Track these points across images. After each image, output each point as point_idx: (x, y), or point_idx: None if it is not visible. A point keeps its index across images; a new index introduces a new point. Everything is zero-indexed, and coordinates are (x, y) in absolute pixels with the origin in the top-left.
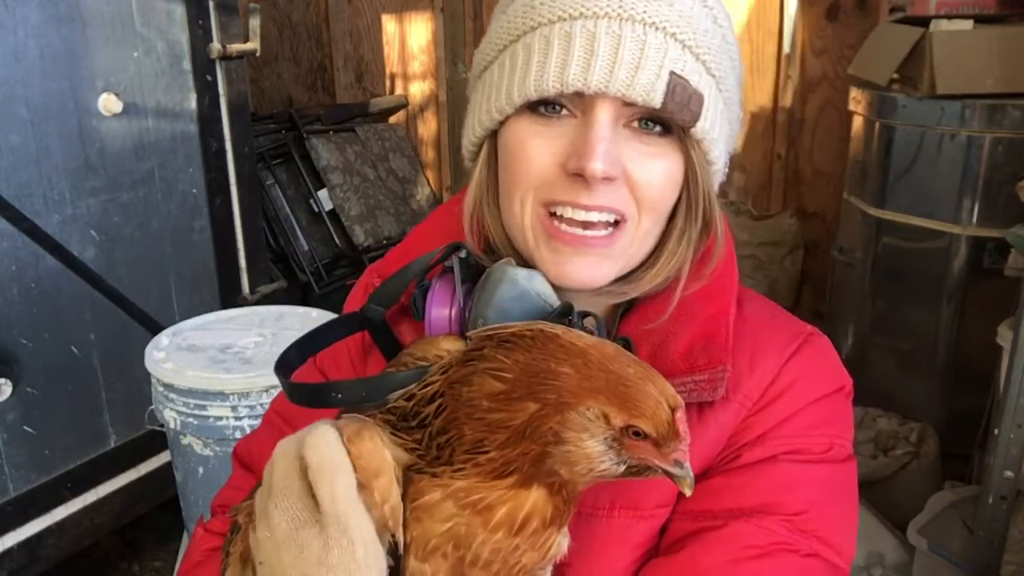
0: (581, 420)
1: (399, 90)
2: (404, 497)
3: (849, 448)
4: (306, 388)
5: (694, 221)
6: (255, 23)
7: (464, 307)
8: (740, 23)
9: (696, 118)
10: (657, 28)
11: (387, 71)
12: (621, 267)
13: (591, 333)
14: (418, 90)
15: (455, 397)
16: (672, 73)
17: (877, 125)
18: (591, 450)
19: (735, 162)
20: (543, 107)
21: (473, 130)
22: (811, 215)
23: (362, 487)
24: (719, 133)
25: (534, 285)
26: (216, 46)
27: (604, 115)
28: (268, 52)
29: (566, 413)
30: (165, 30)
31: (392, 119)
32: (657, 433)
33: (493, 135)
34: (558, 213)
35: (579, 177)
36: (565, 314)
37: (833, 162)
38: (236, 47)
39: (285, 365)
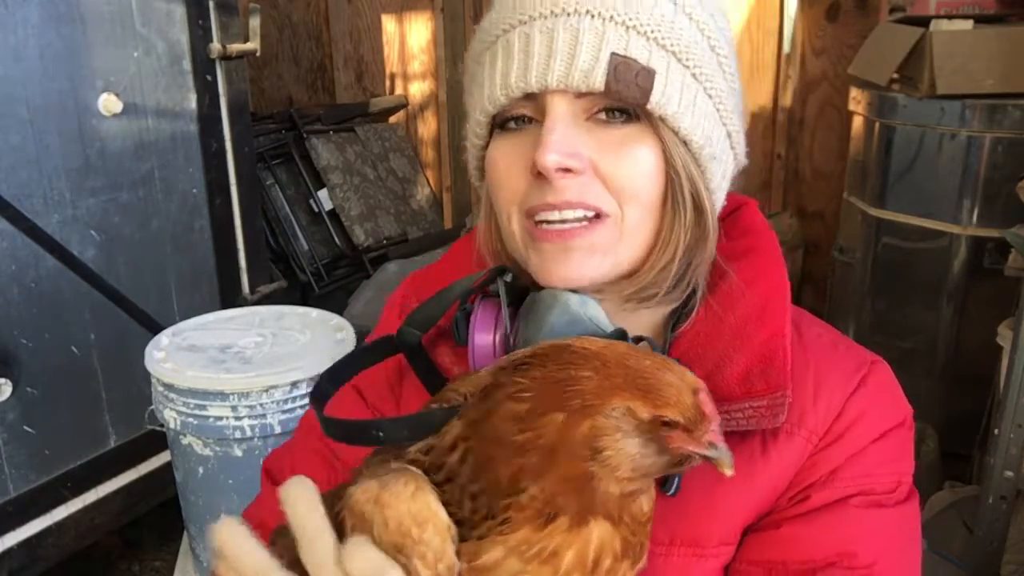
0: (610, 422)
1: (399, 90)
2: (461, 557)
3: (911, 482)
4: (343, 425)
5: (681, 206)
6: (255, 23)
7: (510, 332)
8: (740, 23)
9: (647, 94)
10: (592, 15)
11: (387, 71)
12: (613, 262)
13: None
14: (418, 90)
15: (481, 437)
16: (613, 54)
17: (877, 125)
18: (630, 448)
19: None
20: (512, 122)
21: (472, 154)
22: (811, 215)
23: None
24: (685, 106)
25: (587, 311)
26: (216, 46)
27: (555, 109)
28: (268, 52)
29: (594, 418)
30: (165, 30)
31: (392, 119)
32: (685, 419)
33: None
34: (538, 220)
35: (542, 177)
36: (620, 338)
37: (833, 162)
38: (236, 47)
39: (319, 396)
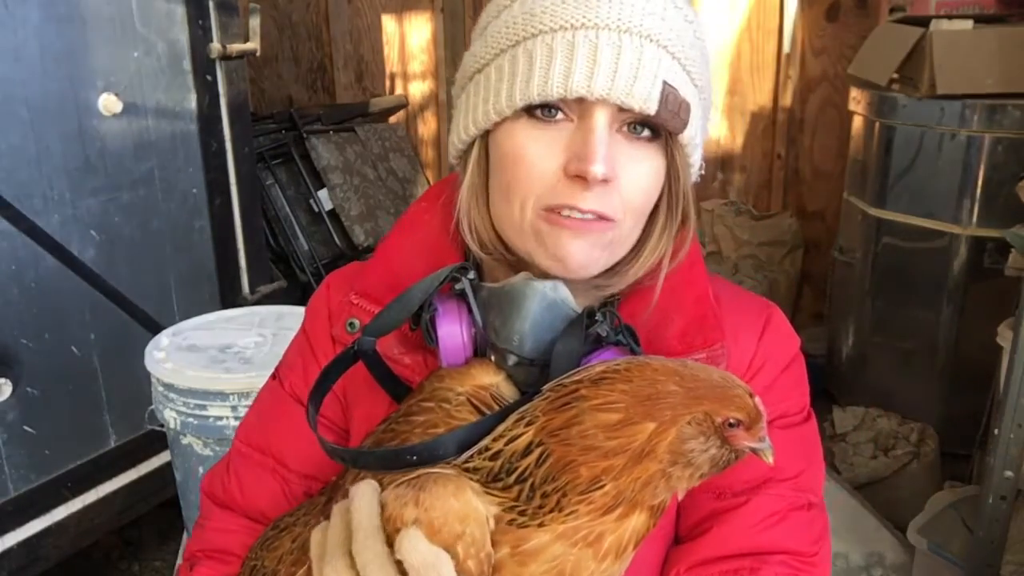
0: (693, 428)
1: (399, 90)
2: (502, 545)
3: (809, 404)
4: (376, 455)
5: (673, 218)
6: (255, 23)
7: (485, 328)
8: (740, 23)
9: (685, 125)
10: (652, 40)
11: (387, 71)
12: (608, 261)
13: (613, 326)
14: (418, 90)
15: (564, 442)
16: (665, 83)
17: (877, 125)
18: (712, 451)
19: (735, 162)
20: (540, 111)
21: (465, 129)
22: (811, 215)
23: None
24: (700, 139)
25: (559, 294)
26: (216, 46)
27: (603, 120)
28: (268, 52)
29: (680, 426)
30: (165, 30)
31: (392, 119)
32: (749, 418)
33: (484, 136)
34: (558, 213)
35: (578, 179)
36: (591, 315)
37: (833, 162)
38: (236, 47)
39: (311, 422)
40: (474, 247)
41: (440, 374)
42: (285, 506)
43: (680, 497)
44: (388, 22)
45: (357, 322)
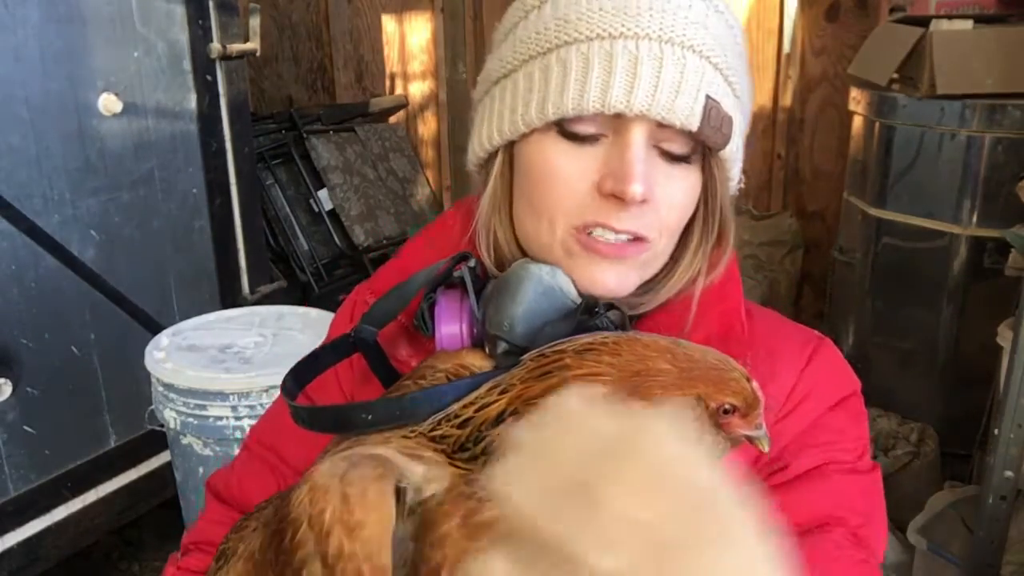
0: (688, 412)
1: (399, 90)
2: (451, 517)
3: (870, 449)
4: (329, 412)
5: (709, 235)
6: (255, 23)
7: (483, 317)
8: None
9: (727, 141)
10: (695, 51)
11: (387, 71)
12: (640, 279)
13: (616, 325)
14: (418, 90)
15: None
16: (708, 97)
17: (877, 125)
18: (707, 436)
19: None
20: (575, 125)
21: (490, 138)
22: (811, 215)
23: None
24: (740, 153)
25: (557, 281)
26: (216, 46)
27: (640, 137)
28: (268, 52)
29: (673, 409)
30: (165, 30)
31: (392, 119)
32: (745, 404)
33: (509, 146)
34: (589, 232)
35: (613, 198)
36: (591, 307)
37: (833, 162)
38: (236, 47)
39: (287, 394)
40: (489, 262)
41: (430, 355)
42: None
43: None
44: (388, 22)
45: None
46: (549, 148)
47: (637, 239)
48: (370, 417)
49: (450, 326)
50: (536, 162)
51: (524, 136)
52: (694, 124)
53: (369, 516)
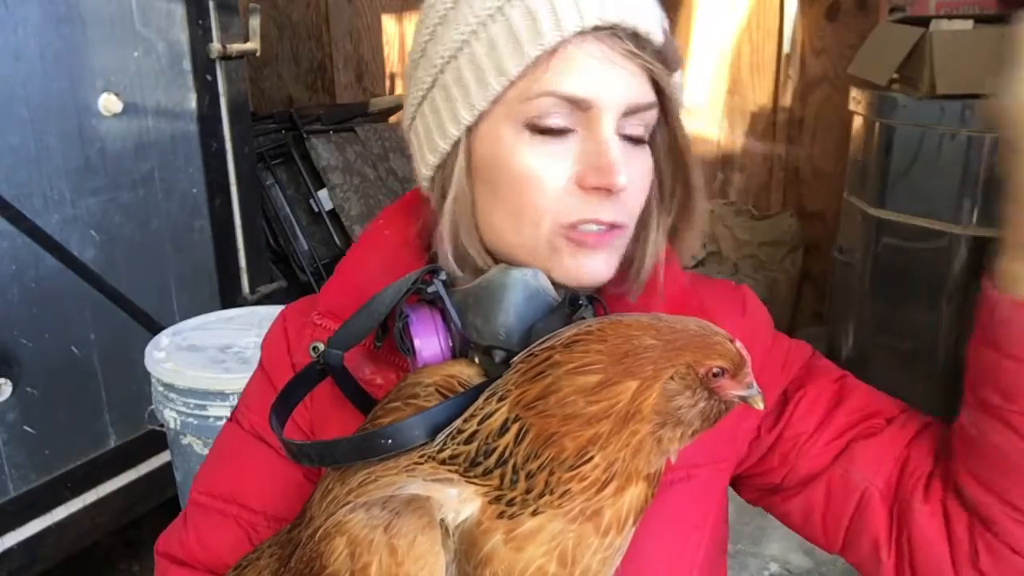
0: (678, 383)
1: (399, 90)
2: (492, 533)
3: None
4: (347, 443)
5: (668, 206)
6: (255, 23)
7: (462, 328)
8: (740, 23)
9: (679, 64)
10: None
11: (387, 71)
12: (615, 266)
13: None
14: None
15: (542, 414)
16: (661, 10)
17: (877, 125)
18: (701, 404)
19: (735, 162)
20: (545, 119)
21: (442, 137)
22: (811, 215)
23: None
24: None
25: (540, 282)
26: (216, 46)
27: (611, 126)
28: (268, 52)
29: (663, 381)
30: (165, 30)
31: (392, 119)
32: (733, 365)
33: (468, 147)
34: (576, 227)
35: (596, 192)
36: (574, 300)
37: (833, 162)
38: (236, 47)
39: (280, 437)
40: (455, 270)
41: (413, 373)
42: None
43: (673, 460)
44: (388, 22)
45: (321, 345)
46: (523, 150)
47: (615, 226)
48: (390, 442)
49: (429, 341)
50: (506, 161)
51: (485, 133)
52: (659, 36)
53: (421, 570)
